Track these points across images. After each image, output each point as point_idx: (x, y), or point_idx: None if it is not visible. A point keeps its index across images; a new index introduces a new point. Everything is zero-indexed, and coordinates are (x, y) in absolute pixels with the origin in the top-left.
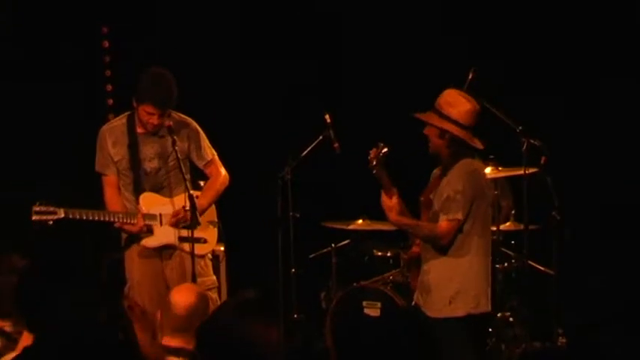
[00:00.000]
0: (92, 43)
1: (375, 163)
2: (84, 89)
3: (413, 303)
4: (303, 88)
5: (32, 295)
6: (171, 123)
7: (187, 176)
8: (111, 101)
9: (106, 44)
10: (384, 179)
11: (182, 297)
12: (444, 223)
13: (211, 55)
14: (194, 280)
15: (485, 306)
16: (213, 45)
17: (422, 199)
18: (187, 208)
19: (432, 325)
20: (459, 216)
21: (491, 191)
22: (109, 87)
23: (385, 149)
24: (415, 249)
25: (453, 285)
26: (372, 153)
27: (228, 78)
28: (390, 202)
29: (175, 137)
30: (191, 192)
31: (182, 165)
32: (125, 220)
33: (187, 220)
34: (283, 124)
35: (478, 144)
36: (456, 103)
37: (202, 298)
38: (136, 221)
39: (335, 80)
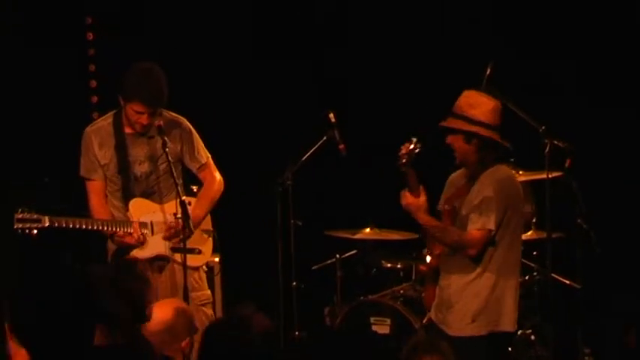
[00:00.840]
0: (75, 36)
1: (405, 160)
2: (65, 85)
3: (425, 320)
4: (304, 84)
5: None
6: (161, 122)
7: (179, 181)
8: (95, 99)
9: (91, 36)
10: (412, 177)
11: (159, 312)
12: (475, 232)
13: (205, 49)
14: (186, 294)
15: (509, 325)
16: (208, 39)
17: (445, 207)
18: (179, 215)
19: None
20: (491, 226)
21: (523, 201)
22: (94, 83)
23: (419, 145)
24: (433, 261)
25: (477, 301)
26: (404, 148)
27: (223, 74)
28: (418, 201)
29: (166, 138)
30: (183, 198)
31: (173, 168)
32: (120, 230)
33: (180, 233)
34: (283, 124)
35: (507, 144)
36: (478, 104)
37: (181, 314)
38: (131, 230)
39: (340, 76)
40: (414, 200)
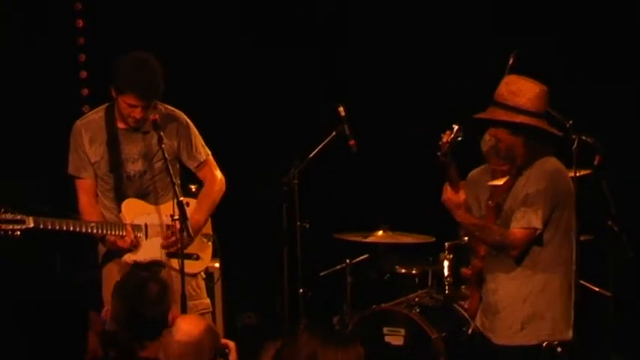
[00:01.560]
0: (63, 23)
1: (446, 149)
2: (53, 76)
3: (470, 330)
4: (311, 76)
5: None
6: (157, 116)
7: (177, 180)
8: (86, 91)
9: (80, 24)
10: (453, 170)
11: (189, 325)
12: (517, 231)
13: (204, 37)
14: (184, 302)
15: (564, 333)
16: (206, 29)
17: (489, 203)
18: (176, 216)
19: (497, 353)
20: (537, 224)
21: (574, 196)
22: (84, 74)
23: (461, 134)
24: (477, 263)
25: (527, 307)
26: (445, 136)
27: (223, 65)
28: (458, 198)
29: (162, 133)
30: (181, 199)
31: (170, 166)
32: (112, 232)
33: (178, 242)
34: (288, 119)
35: (556, 131)
36: (523, 90)
37: (210, 333)
38: (124, 233)
39: (350, 67)
40: (453, 195)
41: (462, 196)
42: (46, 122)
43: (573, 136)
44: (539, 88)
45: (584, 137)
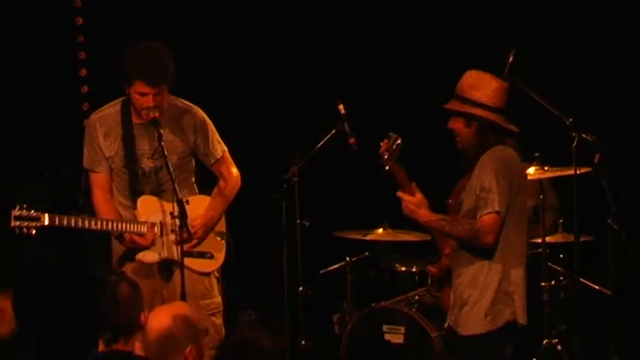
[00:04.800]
0: (62, 21)
1: (387, 157)
2: (53, 74)
3: (446, 325)
4: (311, 73)
5: None
6: (156, 114)
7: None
8: (86, 89)
9: (80, 21)
10: (401, 175)
11: (155, 320)
12: (484, 217)
13: (202, 34)
14: (184, 300)
15: (522, 318)
16: (205, 23)
17: (450, 201)
18: (176, 214)
19: (464, 345)
20: (499, 207)
21: (526, 181)
22: (84, 72)
23: (399, 140)
24: (445, 260)
25: (489, 293)
26: (384, 145)
27: (222, 64)
28: (415, 199)
29: (162, 131)
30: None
31: (170, 164)
32: (130, 229)
33: (189, 239)
34: (289, 117)
35: (513, 127)
36: (480, 84)
37: (180, 321)
38: (144, 230)
39: (349, 65)
40: (410, 198)
41: (418, 196)
42: (46, 120)
43: (573, 134)
44: (497, 84)
45: (584, 135)
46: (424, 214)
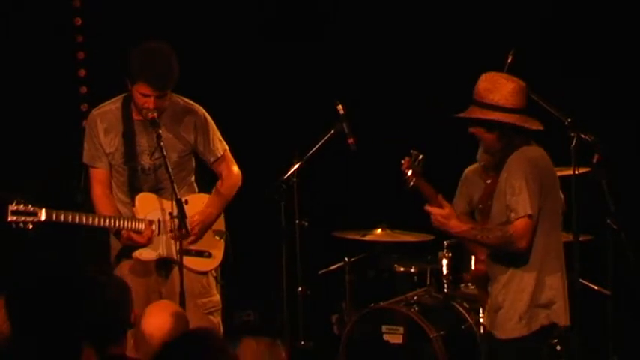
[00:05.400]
0: (61, 21)
1: (410, 174)
2: (52, 74)
3: (482, 329)
4: (310, 73)
5: None
6: (155, 115)
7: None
8: (85, 89)
9: (79, 21)
10: (427, 190)
11: (156, 318)
12: (517, 222)
13: (201, 34)
14: (182, 299)
15: (562, 318)
16: (203, 23)
17: (479, 207)
18: (175, 214)
19: (498, 348)
20: (530, 210)
21: (557, 180)
22: (83, 72)
23: (421, 157)
24: (480, 266)
25: (523, 297)
26: (406, 163)
27: (221, 63)
28: (444, 211)
29: (162, 129)
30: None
31: (168, 163)
32: (128, 226)
33: (188, 235)
34: (287, 116)
35: (536, 125)
36: (497, 87)
37: (180, 319)
38: (142, 228)
39: (348, 65)
40: (439, 211)
41: (446, 208)
42: (44, 120)
43: (572, 134)
44: (514, 84)
45: (582, 135)
46: (454, 225)
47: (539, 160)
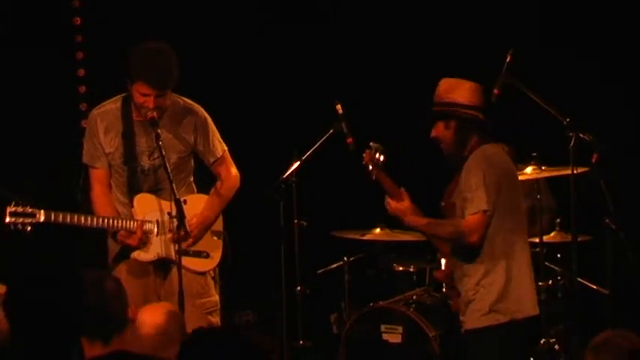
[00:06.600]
0: (61, 21)
1: (371, 167)
2: (51, 74)
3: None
4: (309, 73)
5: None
6: (154, 114)
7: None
8: (83, 89)
9: (78, 21)
10: (387, 182)
11: (151, 316)
12: (469, 218)
13: (198, 34)
14: (181, 299)
15: (531, 309)
16: (201, 23)
17: (442, 204)
18: (174, 214)
19: (468, 338)
20: (484, 206)
21: (517, 179)
22: (82, 72)
23: (381, 149)
24: (448, 264)
25: (494, 290)
26: (366, 156)
27: (220, 63)
28: (403, 205)
29: (161, 129)
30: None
31: (167, 164)
32: (123, 227)
33: (186, 237)
34: (286, 116)
35: (489, 123)
36: (454, 87)
37: (174, 317)
38: (134, 228)
39: (347, 65)
40: (397, 204)
41: (406, 202)
42: (44, 120)
43: (571, 134)
44: (471, 84)
45: (581, 135)
46: (411, 220)
47: (496, 156)
